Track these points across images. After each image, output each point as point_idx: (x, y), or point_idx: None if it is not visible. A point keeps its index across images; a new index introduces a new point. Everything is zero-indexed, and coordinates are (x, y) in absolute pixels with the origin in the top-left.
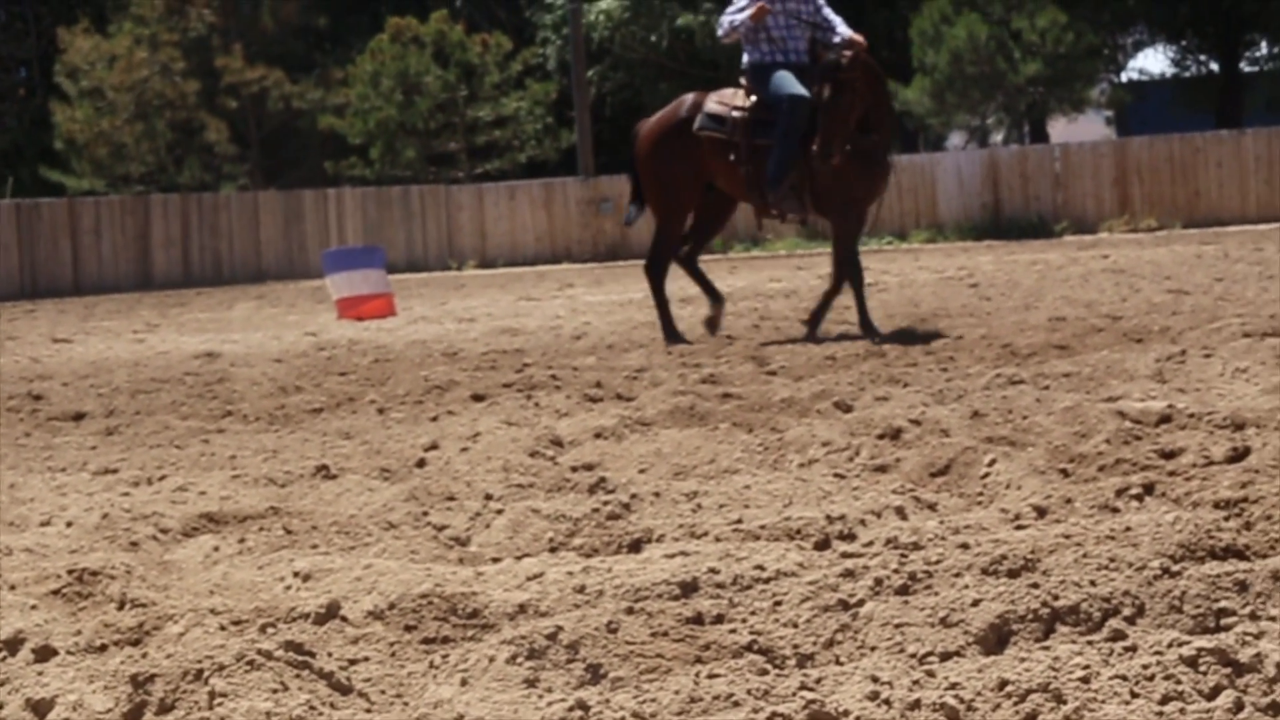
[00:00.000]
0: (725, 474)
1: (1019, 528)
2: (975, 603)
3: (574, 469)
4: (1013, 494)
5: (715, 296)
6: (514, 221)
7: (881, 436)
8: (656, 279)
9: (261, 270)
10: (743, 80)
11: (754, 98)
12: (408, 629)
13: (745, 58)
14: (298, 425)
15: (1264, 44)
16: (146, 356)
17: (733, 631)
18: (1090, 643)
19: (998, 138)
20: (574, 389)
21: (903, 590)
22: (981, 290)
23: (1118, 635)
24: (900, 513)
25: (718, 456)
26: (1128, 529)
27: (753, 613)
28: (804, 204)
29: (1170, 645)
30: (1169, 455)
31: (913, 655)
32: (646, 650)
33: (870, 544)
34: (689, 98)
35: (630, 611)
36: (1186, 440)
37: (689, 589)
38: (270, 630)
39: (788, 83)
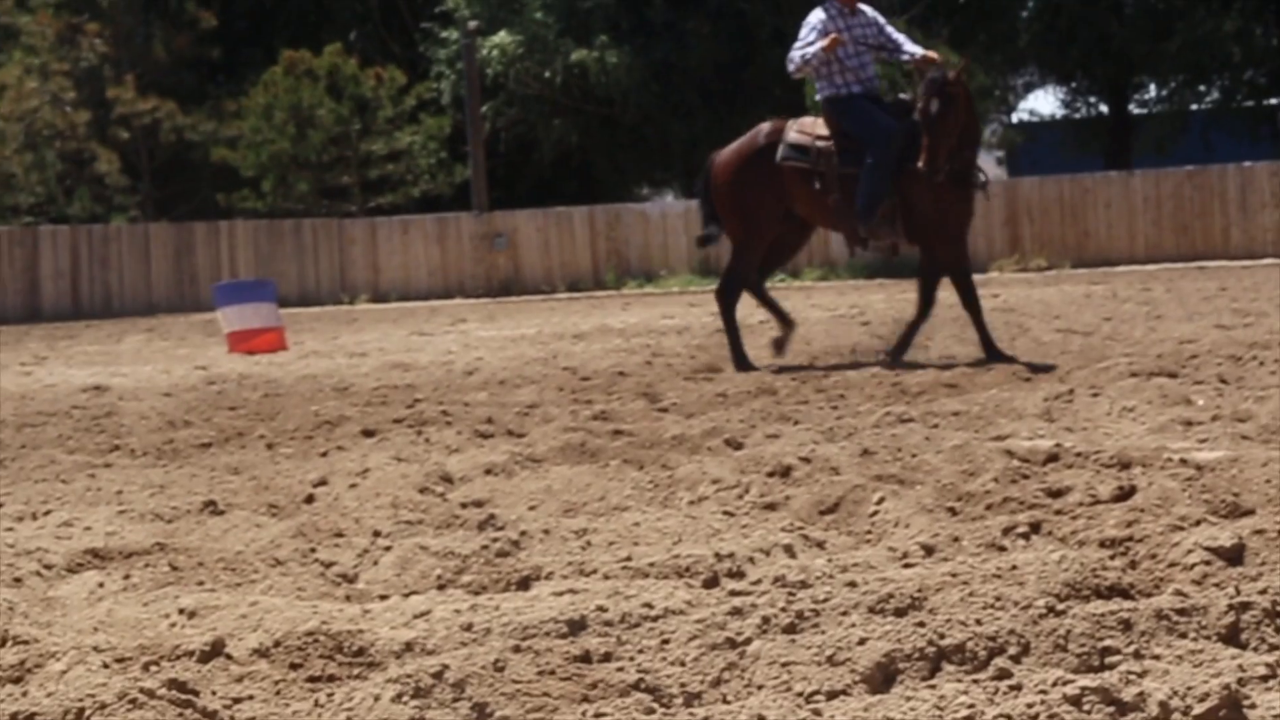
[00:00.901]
0: (615, 511)
1: (906, 566)
2: (862, 641)
3: (463, 506)
4: (901, 532)
5: (786, 320)
6: (407, 256)
7: (771, 474)
8: (729, 305)
9: (152, 303)
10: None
11: (835, 128)
12: (293, 667)
13: (820, 91)
14: (186, 460)
15: (1152, 87)
16: (33, 389)
17: (620, 670)
18: (976, 681)
19: None
20: (465, 425)
21: (790, 629)
22: (873, 329)
23: (1003, 674)
24: (789, 551)
25: (608, 494)
26: (1014, 568)
27: (640, 651)
28: (897, 231)
29: (1055, 684)
30: (1056, 494)
31: (799, 694)
32: (533, 689)
33: (758, 582)
34: (765, 127)
35: (518, 650)
36: (1073, 479)
37: (577, 627)
38: (154, 668)
39: (874, 114)
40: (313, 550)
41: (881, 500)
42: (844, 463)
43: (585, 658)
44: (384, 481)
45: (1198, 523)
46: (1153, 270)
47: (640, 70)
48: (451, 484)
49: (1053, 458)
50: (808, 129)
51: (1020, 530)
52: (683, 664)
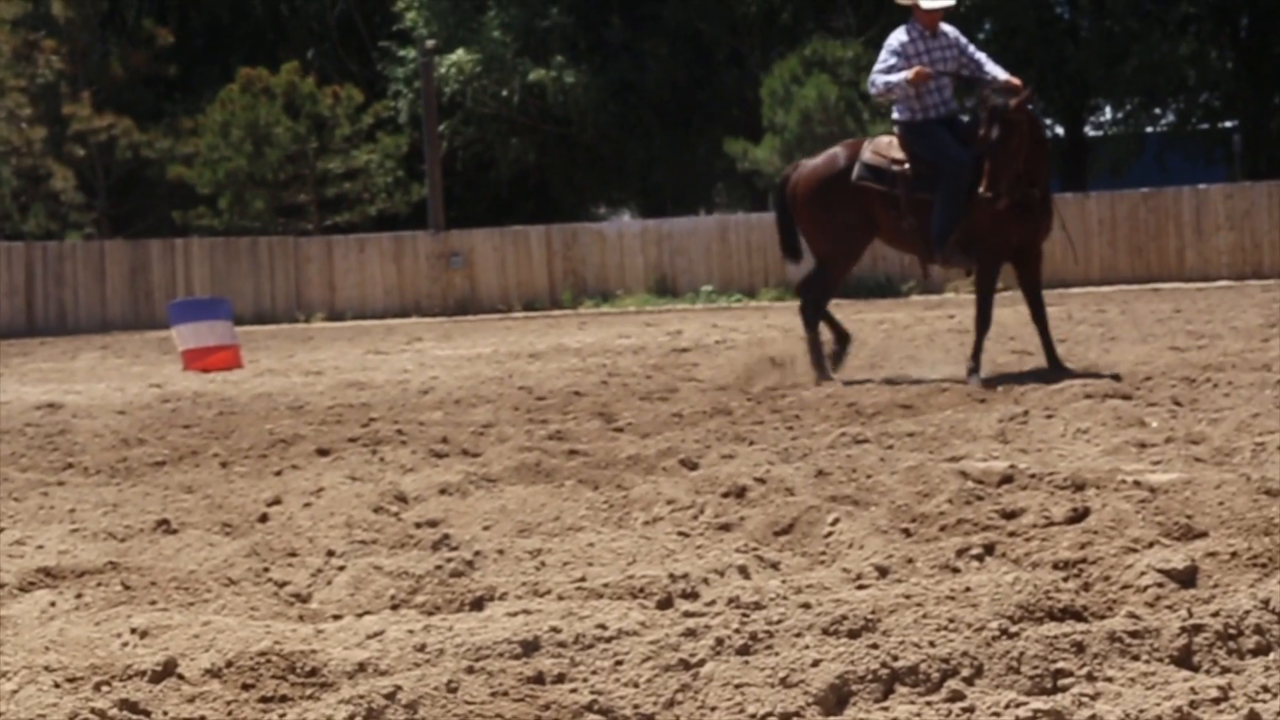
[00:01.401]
0: (570, 531)
1: (860, 587)
2: (815, 663)
3: (418, 525)
4: (855, 553)
5: (844, 334)
6: (363, 274)
7: (726, 495)
8: (812, 321)
9: (107, 320)
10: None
11: (910, 153)
12: (245, 687)
13: (896, 115)
14: (139, 479)
15: (1108, 109)
16: None
17: (574, 691)
18: (929, 703)
19: None
20: (420, 444)
21: (744, 650)
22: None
23: (956, 696)
24: (743, 571)
25: (562, 514)
26: (968, 589)
27: (594, 672)
28: (971, 257)
29: (1008, 706)
30: (1010, 515)
31: (752, 715)
32: (486, 710)
33: (713, 603)
34: (841, 149)
35: (471, 671)
36: (1027, 501)
37: (530, 648)
38: (105, 688)
39: (948, 144)
40: (266, 570)
41: (836, 521)
42: (799, 483)
43: (539, 679)
44: (338, 501)
45: (1151, 545)
46: (1108, 292)
47: (597, 90)
48: (406, 503)
49: (1007, 479)
50: (883, 150)
51: (974, 552)
52: (636, 685)
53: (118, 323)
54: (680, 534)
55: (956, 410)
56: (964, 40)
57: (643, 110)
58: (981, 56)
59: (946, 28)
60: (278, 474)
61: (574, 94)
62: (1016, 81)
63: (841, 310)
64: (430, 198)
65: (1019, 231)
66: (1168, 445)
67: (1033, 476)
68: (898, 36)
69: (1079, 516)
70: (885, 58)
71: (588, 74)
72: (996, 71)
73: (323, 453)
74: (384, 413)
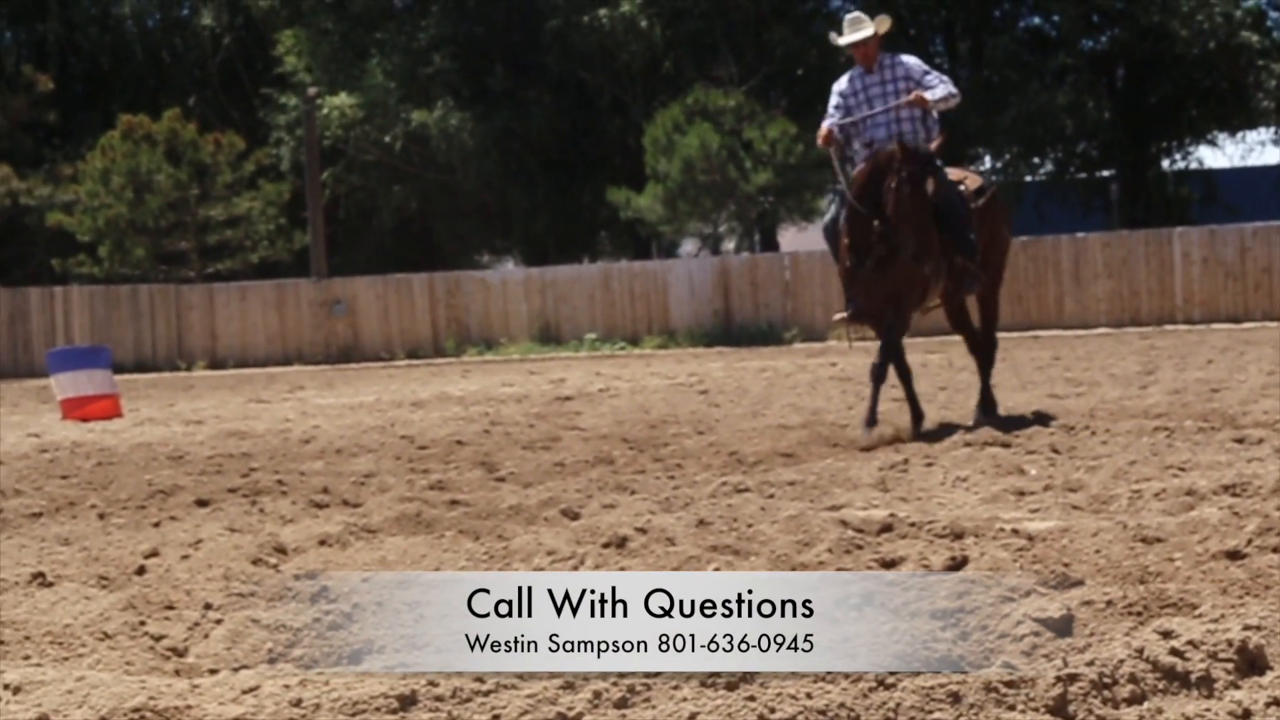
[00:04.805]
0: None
1: None
2: (693, 716)
3: (296, 577)
4: None
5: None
6: (245, 322)
7: (607, 545)
8: (900, 356)
9: None
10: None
11: None
12: None
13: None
14: (15, 530)
15: (987, 158)
16: None
17: None
18: None
19: (729, 245)
20: (300, 495)
21: (621, 703)
22: (711, 397)
23: None
24: None
25: (443, 565)
26: (845, 640)
27: None
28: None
29: None
30: (889, 564)
31: None
32: None
33: None
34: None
35: None
36: (907, 549)
37: (407, 702)
38: None
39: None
40: (143, 623)
41: (717, 571)
42: (680, 533)
43: None
44: (216, 552)
45: (1028, 594)
46: None
47: (481, 137)
48: (285, 555)
49: (887, 528)
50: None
51: (853, 602)
52: None
53: None
54: None
55: (837, 458)
56: (920, 69)
57: (526, 158)
58: (936, 80)
59: (905, 58)
60: (156, 525)
61: (457, 141)
62: (919, 96)
63: (724, 357)
64: (313, 245)
65: (881, 288)
66: (1046, 493)
67: (912, 525)
68: (839, 82)
69: (958, 565)
70: (830, 104)
71: (471, 121)
72: (931, 94)
73: (202, 504)
74: (264, 463)
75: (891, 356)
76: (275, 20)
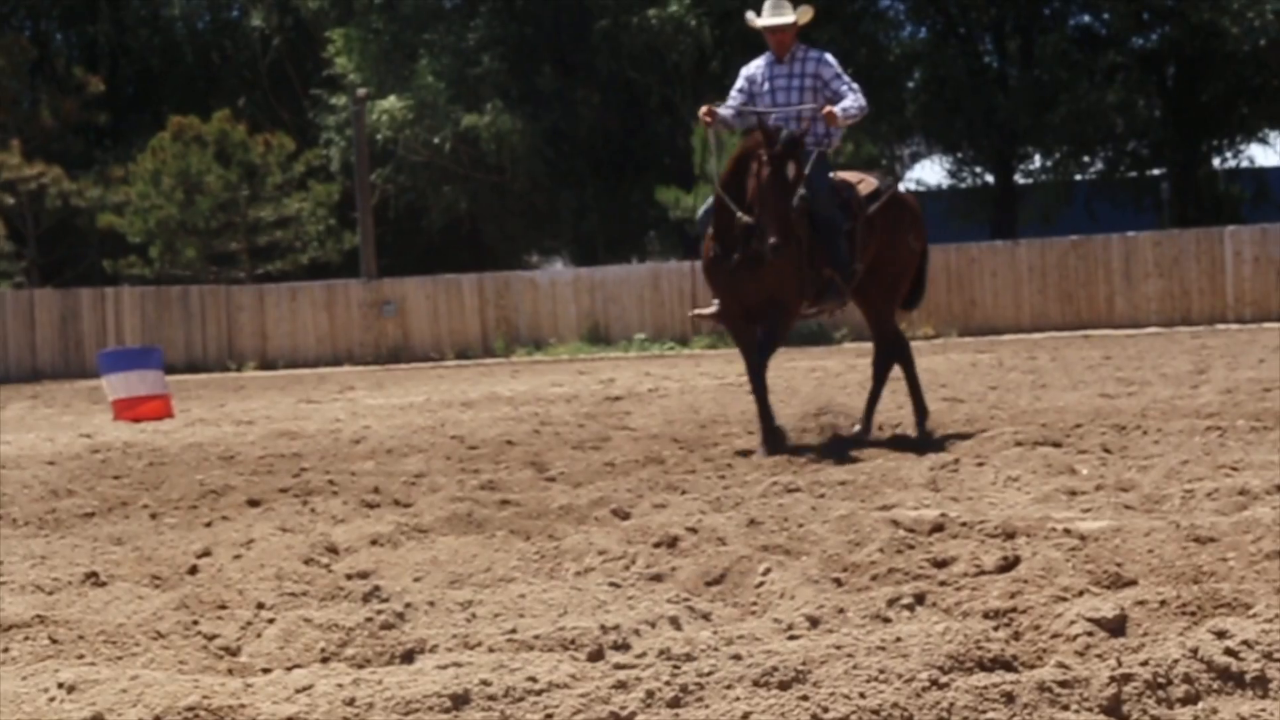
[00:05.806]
0: (501, 583)
1: (791, 638)
2: (746, 716)
3: (348, 577)
4: (786, 603)
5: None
6: (295, 323)
7: (658, 545)
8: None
9: (37, 369)
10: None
11: None
12: None
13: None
14: (68, 530)
15: (1037, 157)
16: None
17: None
18: None
19: None
20: (351, 495)
21: (674, 703)
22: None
23: None
24: (674, 623)
25: (494, 565)
26: (898, 639)
27: None
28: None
29: None
30: (941, 564)
31: None
32: None
33: (643, 655)
34: None
35: None
36: (958, 549)
37: (460, 701)
38: None
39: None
40: (195, 622)
41: (768, 571)
42: (730, 533)
43: None
44: (268, 552)
45: (1080, 593)
46: (1038, 339)
47: (530, 137)
48: (337, 555)
49: (938, 528)
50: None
51: (905, 601)
52: None
53: (48, 372)
54: (612, 585)
55: (888, 458)
56: (832, 71)
57: (575, 158)
58: (846, 89)
59: (820, 55)
60: (208, 525)
61: (507, 141)
62: (830, 113)
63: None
64: (362, 246)
65: (747, 289)
66: (1098, 492)
67: (964, 525)
68: (749, 64)
69: (1009, 565)
70: (734, 88)
71: (520, 121)
72: (844, 104)
73: (253, 503)
74: (315, 463)
75: (753, 375)
76: (325, 21)
